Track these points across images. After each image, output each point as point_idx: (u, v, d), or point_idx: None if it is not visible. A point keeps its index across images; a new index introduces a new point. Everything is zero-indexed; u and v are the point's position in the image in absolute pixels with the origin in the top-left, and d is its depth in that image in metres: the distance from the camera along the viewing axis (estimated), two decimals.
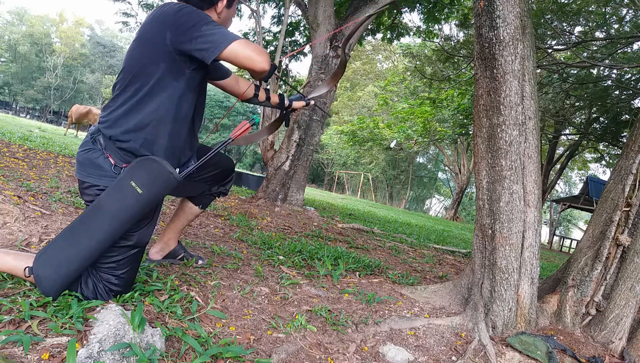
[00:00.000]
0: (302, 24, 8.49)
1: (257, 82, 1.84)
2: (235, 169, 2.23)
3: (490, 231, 2.02)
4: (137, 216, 1.40)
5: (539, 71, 9.64)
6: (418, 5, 7.56)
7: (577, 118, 15.13)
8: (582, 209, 15.90)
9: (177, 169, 1.60)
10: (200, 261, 2.10)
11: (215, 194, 1.98)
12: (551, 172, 17.68)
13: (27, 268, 1.36)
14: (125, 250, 1.45)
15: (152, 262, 1.96)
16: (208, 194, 1.95)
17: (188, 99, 1.49)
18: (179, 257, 2.05)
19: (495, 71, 1.95)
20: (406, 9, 7.66)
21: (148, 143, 1.45)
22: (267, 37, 8.86)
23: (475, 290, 2.06)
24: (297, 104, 1.93)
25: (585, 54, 9.38)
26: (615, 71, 9.95)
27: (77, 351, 1.04)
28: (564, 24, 8.42)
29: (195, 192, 1.89)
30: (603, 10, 8.47)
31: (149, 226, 1.50)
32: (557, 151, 17.87)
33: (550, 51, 8.54)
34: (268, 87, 5.34)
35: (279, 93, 1.94)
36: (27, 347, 1.05)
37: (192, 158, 1.72)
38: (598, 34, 8.97)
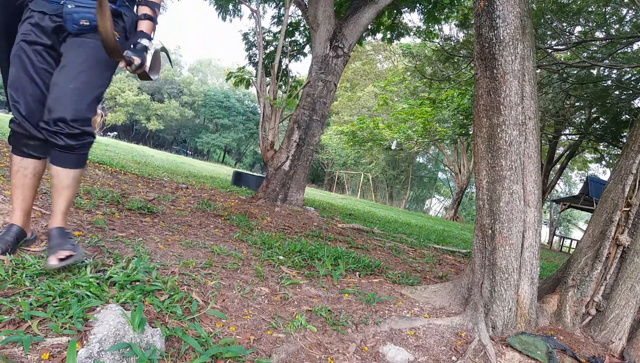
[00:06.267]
0: (302, 24, 8.49)
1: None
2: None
3: (490, 231, 2.03)
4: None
5: (539, 71, 9.64)
6: (418, 5, 7.56)
7: (577, 118, 15.13)
8: (582, 209, 15.90)
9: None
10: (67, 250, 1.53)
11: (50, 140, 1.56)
12: (551, 172, 17.67)
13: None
14: None
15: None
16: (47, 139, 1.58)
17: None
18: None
19: (495, 71, 1.95)
20: (406, 9, 7.66)
21: None
22: (267, 37, 8.86)
23: (475, 290, 2.06)
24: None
25: (585, 54, 9.37)
26: (615, 71, 9.94)
27: (77, 351, 1.04)
28: (564, 24, 8.42)
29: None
30: (603, 10, 8.47)
31: None
32: (557, 151, 17.87)
33: (550, 51, 8.53)
34: (268, 87, 5.34)
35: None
36: (27, 347, 1.05)
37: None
38: (598, 34, 8.96)
